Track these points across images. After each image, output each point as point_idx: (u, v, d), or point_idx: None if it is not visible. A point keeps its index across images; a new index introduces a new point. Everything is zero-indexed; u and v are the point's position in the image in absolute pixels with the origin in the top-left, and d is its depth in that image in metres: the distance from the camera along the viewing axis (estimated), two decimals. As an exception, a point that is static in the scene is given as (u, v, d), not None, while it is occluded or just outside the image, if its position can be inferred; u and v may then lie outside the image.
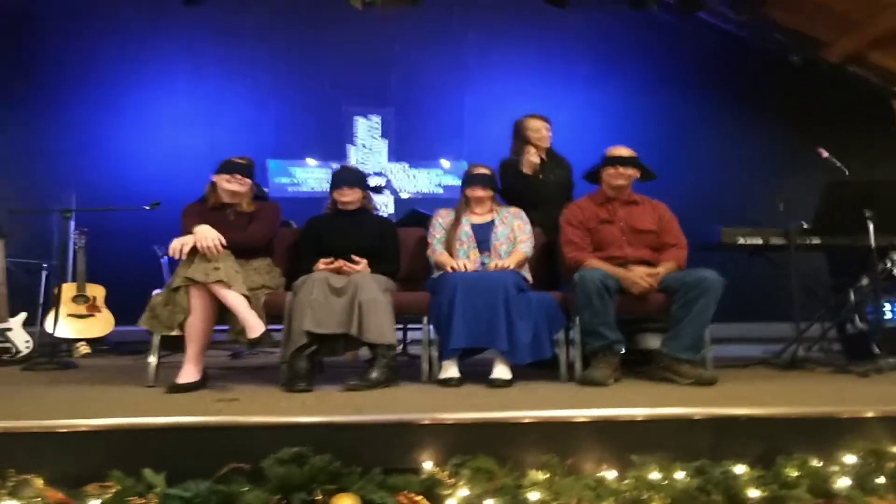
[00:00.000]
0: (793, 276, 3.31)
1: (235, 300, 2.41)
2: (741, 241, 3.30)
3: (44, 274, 4.87)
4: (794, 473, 1.78)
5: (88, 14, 5.87)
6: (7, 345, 3.98)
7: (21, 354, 4.01)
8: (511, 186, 3.40)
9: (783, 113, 6.20)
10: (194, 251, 2.49)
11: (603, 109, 6.11)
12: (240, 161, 2.89)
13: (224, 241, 2.55)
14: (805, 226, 3.36)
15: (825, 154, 3.56)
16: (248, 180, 2.89)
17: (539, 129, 3.48)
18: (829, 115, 6.06)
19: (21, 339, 4.07)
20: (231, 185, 2.84)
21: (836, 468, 1.82)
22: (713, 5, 5.95)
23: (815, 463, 1.82)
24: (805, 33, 6.22)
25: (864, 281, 3.55)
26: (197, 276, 2.40)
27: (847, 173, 3.50)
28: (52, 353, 3.61)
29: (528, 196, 3.33)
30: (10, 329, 4.04)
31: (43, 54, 5.90)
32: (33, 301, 4.75)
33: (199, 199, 2.94)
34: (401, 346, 4.03)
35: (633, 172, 3.02)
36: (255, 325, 2.38)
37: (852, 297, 3.58)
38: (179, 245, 2.52)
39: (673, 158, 5.64)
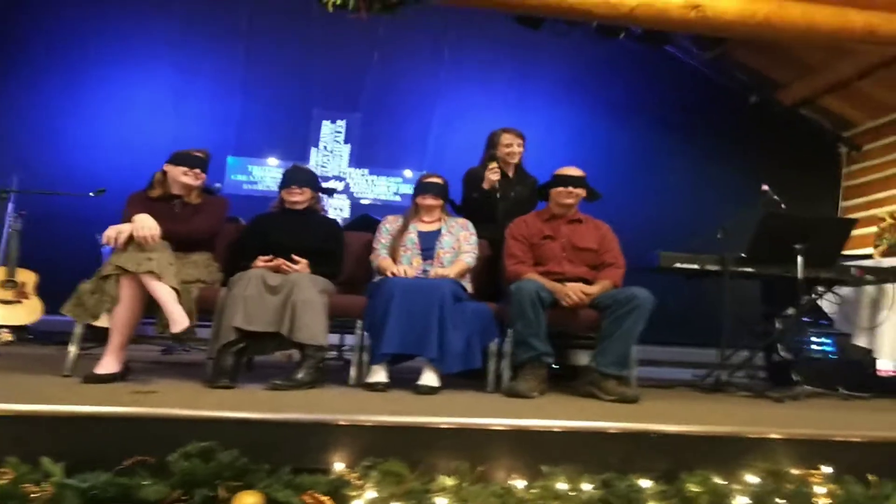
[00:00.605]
0: (726, 303, 3.41)
1: (163, 292, 2.37)
2: (678, 265, 3.39)
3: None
4: (696, 489, 1.84)
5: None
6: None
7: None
8: (470, 197, 3.44)
9: (736, 148, 6.42)
10: (130, 240, 2.45)
11: (564, 129, 6.22)
12: (198, 154, 2.88)
13: (160, 231, 2.51)
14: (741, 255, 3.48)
15: (766, 188, 3.70)
16: (204, 175, 2.87)
17: (510, 144, 3.51)
18: (778, 153, 6.31)
19: (-61, 323, 3.91)
20: (186, 178, 2.82)
21: (737, 486, 1.88)
22: (679, 41, 6.13)
23: (717, 480, 1.89)
24: (764, 74, 6.47)
25: (791, 311, 3.70)
26: (128, 266, 2.36)
27: (784, 208, 3.64)
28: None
29: (485, 209, 3.37)
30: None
31: (-1, 31, 5.74)
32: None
33: (146, 187, 2.90)
34: (336, 351, 4.01)
35: (581, 192, 3.10)
36: (178, 320, 2.35)
37: (778, 325, 3.72)
38: (115, 233, 2.48)
39: (625, 182, 5.79)
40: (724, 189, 5.97)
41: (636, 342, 2.78)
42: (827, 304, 3.83)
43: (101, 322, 2.48)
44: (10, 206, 4.48)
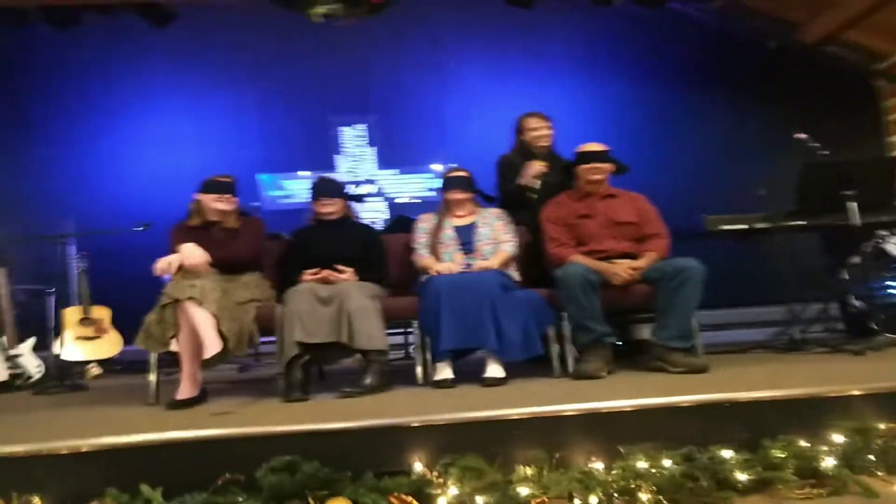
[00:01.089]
0: (783, 260, 3.32)
1: (199, 317, 2.43)
2: (725, 227, 3.30)
3: (51, 299, 4.94)
4: (781, 455, 1.80)
5: (74, 45, 5.92)
6: (19, 370, 4.05)
7: (33, 379, 4.08)
8: (506, 186, 3.42)
9: (762, 99, 6.18)
10: (181, 268, 2.54)
11: (580, 104, 6.09)
12: (224, 180, 2.95)
13: (210, 258, 2.59)
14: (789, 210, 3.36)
15: (800, 136, 3.56)
16: (235, 198, 2.94)
17: (537, 128, 3.46)
18: (810, 98, 6.04)
19: (32, 364, 4.13)
20: (220, 205, 2.89)
21: (823, 448, 1.84)
22: (679, -3, 5.92)
23: (802, 444, 1.85)
24: (778, 16, 6.17)
25: (856, 259, 3.56)
26: (176, 293, 2.45)
27: (825, 154, 3.50)
28: (62, 377, 3.68)
29: (521, 197, 3.34)
30: (20, 355, 4.10)
31: (25, 84, 6.00)
32: (43, 326, 4.82)
33: (186, 217, 2.99)
34: (402, 351, 4.07)
35: (607, 166, 3.04)
36: (209, 345, 2.40)
37: (845, 275, 3.59)
38: (166, 264, 2.58)
39: (653, 150, 5.66)
40: (758, 143, 5.77)
41: (695, 311, 2.72)
42: (893, 247, 3.68)
43: (174, 348, 2.57)
44: (73, 249, 4.70)
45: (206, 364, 2.44)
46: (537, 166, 3.28)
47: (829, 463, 1.76)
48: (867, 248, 3.38)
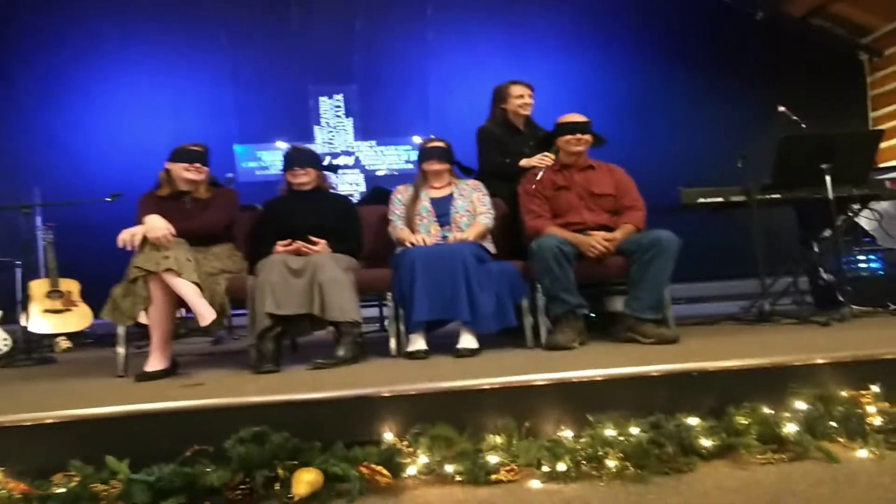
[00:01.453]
0: (755, 232, 3.35)
1: (185, 288, 2.41)
2: (701, 200, 3.32)
3: (18, 272, 4.84)
4: (744, 421, 1.84)
5: (46, 6, 5.74)
6: (-16, 344, 3.98)
7: (0, 353, 4.01)
8: (486, 157, 3.38)
9: (747, 71, 6.19)
10: (146, 241, 2.49)
11: (561, 76, 6.06)
12: (196, 149, 2.87)
13: (173, 230, 2.54)
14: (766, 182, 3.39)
15: (782, 109, 3.58)
16: (205, 168, 2.87)
17: (521, 95, 3.42)
18: (795, 70, 6.07)
19: (-1, 338, 4.06)
20: (189, 174, 2.83)
21: (785, 414, 1.88)
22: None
23: (766, 411, 1.88)
24: None
25: (828, 233, 3.62)
26: (148, 266, 2.40)
27: (804, 128, 3.53)
28: (29, 350, 3.62)
29: (505, 167, 3.31)
30: (-14, 328, 4.03)
31: (1, 53, 5.79)
32: (11, 299, 4.73)
33: (154, 187, 2.92)
34: (377, 324, 4.07)
35: (588, 138, 3.04)
36: (204, 313, 2.39)
37: (816, 249, 3.65)
38: (129, 236, 2.51)
39: (634, 122, 5.67)
40: (741, 116, 5.79)
41: (668, 283, 2.75)
42: (866, 221, 3.75)
43: (144, 318, 2.53)
44: (38, 220, 4.59)
45: (205, 331, 2.42)
46: (545, 160, 3.17)
47: (791, 429, 1.80)
48: (840, 221, 3.43)
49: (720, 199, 3.34)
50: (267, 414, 1.82)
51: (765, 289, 3.40)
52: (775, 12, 6.21)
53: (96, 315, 4.52)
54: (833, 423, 1.86)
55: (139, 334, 3.83)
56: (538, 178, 3.01)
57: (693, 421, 1.83)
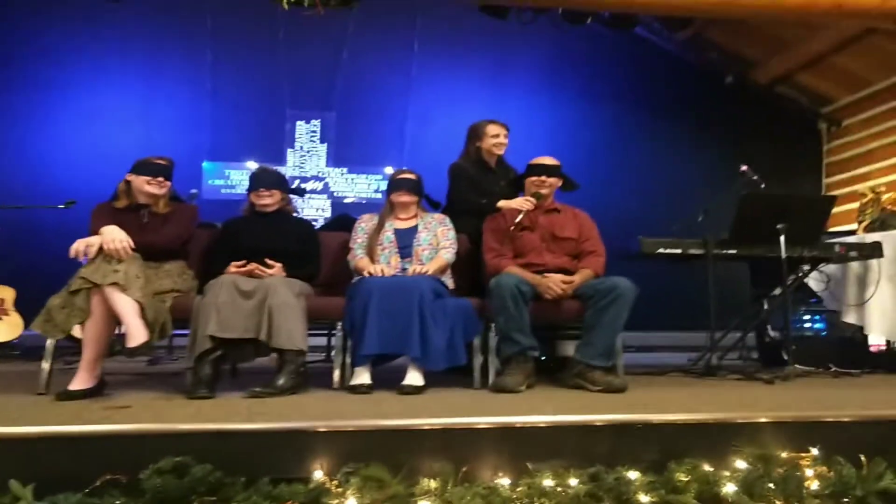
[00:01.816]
0: (710, 285, 3.39)
1: (123, 305, 2.31)
2: (661, 250, 3.36)
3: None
4: (684, 478, 1.81)
5: (12, 3, 5.62)
6: None
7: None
8: (460, 194, 3.36)
9: (714, 129, 6.42)
10: (99, 252, 2.39)
11: (541, 119, 6.18)
12: (160, 162, 2.80)
13: (132, 243, 2.45)
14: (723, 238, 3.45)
15: (745, 168, 3.68)
16: (168, 182, 2.80)
17: (497, 135, 3.42)
18: (758, 133, 6.30)
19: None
20: (151, 188, 2.75)
21: (725, 473, 1.85)
22: (649, 22, 6.09)
23: (706, 468, 1.86)
24: (738, 52, 6.45)
25: (778, 291, 3.68)
26: (95, 278, 2.30)
27: (763, 187, 3.62)
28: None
29: (480, 207, 3.27)
30: None
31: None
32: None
33: (111, 198, 2.82)
34: (323, 354, 3.97)
35: (555, 181, 3.07)
36: (134, 333, 2.28)
37: (766, 306, 3.70)
38: (83, 246, 2.41)
39: (603, 169, 5.79)
40: (704, 172, 5.97)
41: (621, 331, 2.74)
42: (814, 282, 3.83)
43: (79, 332, 2.41)
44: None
45: (131, 353, 2.30)
46: (526, 205, 3.06)
47: (729, 489, 1.78)
48: (790, 280, 3.49)
49: (679, 251, 3.37)
50: (193, 443, 1.72)
51: (713, 342, 3.42)
52: (743, 78, 6.49)
53: (27, 326, 4.30)
54: (771, 485, 1.84)
55: (71, 349, 3.66)
56: (518, 220, 2.98)
57: (633, 475, 1.79)
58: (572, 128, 6.20)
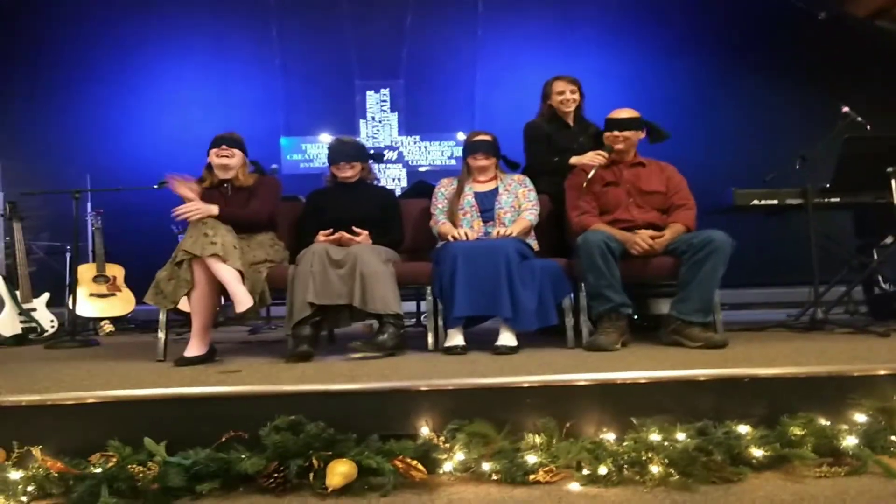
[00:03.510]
0: (812, 237, 3.20)
1: (227, 274, 2.41)
2: (756, 202, 3.19)
3: (67, 256, 4.99)
4: (799, 432, 1.74)
5: (104, 1, 5.91)
6: (32, 324, 4.10)
7: (47, 333, 4.13)
8: (533, 154, 3.32)
9: (808, 71, 5.98)
10: (195, 225, 2.51)
11: (619, 74, 5.96)
12: (225, 135, 2.90)
13: (211, 210, 2.58)
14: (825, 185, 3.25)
15: (846, 109, 3.42)
16: (236, 151, 2.88)
17: (563, 91, 3.33)
18: (858, 72, 5.82)
19: (46, 319, 4.18)
20: (220, 159, 2.85)
21: (844, 427, 1.77)
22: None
23: (822, 422, 1.78)
24: None
25: (889, 240, 3.44)
26: (194, 250, 2.42)
27: (869, 128, 3.36)
28: (74, 332, 3.70)
29: (553, 166, 3.22)
30: (34, 309, 4.15)
31: (53, 38, 5.99)
32: (60, 282, 4.88)
33: (197, 180, 2.96)
34: (415, 319, 4.04)
35: (632, 134, 2.94)
36: (242, 300, 2.39)
37: (876, 256, 3.47)
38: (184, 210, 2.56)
39: (689, 121, 5.50)
40: (801, 117, 5.58)
41: (718, 286, 2.64)
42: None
43: (185, 306, 2.56)
44: (88, 206, 4.72)
45: (239, 318, 2.42)
46: (597, 159, 2.97)
47: (849, 442, 1.70)
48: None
49: (775, 202, 3.20)
50: (303, 403, 1.80)
51: (818, 296, 3.24)
52: (838, 12, 5.97)
53: (138, 301, 4.62)
54: (894, 438, 1.75)
55: (179, 322, 3.91)
56: (590, 176, 2.92)
57: (744, 429, 1.74)
58: (651, 79, 5.95)
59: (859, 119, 3.37)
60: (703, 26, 6.05)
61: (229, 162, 2.86)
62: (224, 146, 2.85)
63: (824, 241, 3.40)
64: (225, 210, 2.62)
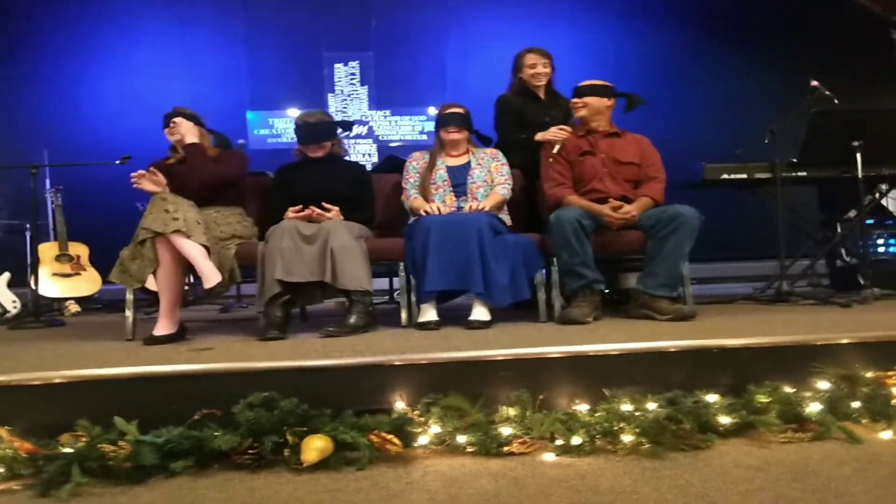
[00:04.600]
0: (779, 211, 3.27)
1: (192, 249, 2.36)
2: (725, 176, 3.24)
3: (27, 235, 4.84)
4: (765, 400, 1.80)
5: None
6: (-7, 305, 3.98)
7: (9, 314, 4.02)
8: (502, 130, 3.30)
9: (778, 46, 6.01)
10: (155, 201, 2.44)
11: (589, 46, 5.93)
12: (170, 112, 2.85)
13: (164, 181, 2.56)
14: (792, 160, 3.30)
15: (815, 83, 3.46)
16: (181, 120, 2.80)
17: (535, 65, 3.29)
18: (827, 47, 5.87)
19: (8, 300, 4.07)
20: (172, 136, 2.83)
21: (808, 394, 1.83)
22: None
23: (787, 389, 1.84)
24: None
25: (852, 213, 3.53)
26: (156, 227, 2.36)
27: (836, 103, 3.42)
28: (38, 312, 3.61)
29: (521, 143, 3.21)
30: (-6, 290, 4.03)
31: (5, 7, 5.72)
32: (21, 262, 4.73)
33: (164, 159, 2.89)
34: (387, 296, 4.03)
35: (592, 101, 2.91)
36: (209, 275, 2.35)
37: (839, 230, 3.56)
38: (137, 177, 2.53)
39: (661, 93, 5.50)
40: (769, 92, 5.64)
41: (685, 260, 2.67)
42: (893, 202, 3.65)
43: (152, 285, 2.50)
44: (47, 182, 4.56)
45: (209, 294, 2.38)
46: (560, 134, 3.01)
47: (813, 408, 1.76)
48: (866, 202, 3.34)
49: (744, 176, 3.25)
50: (276, 380, 1.80)
51: (784, 269, 3.32)
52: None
53: (104, 280, 4.51)
54: (856, 404, 1.81)
55: (147, 301, 3.83)
56: (555, 150, 2.92)
57: (712, 398, 1.79)
58: (623, 50, 5.93)
59: (827, 93, 3.41)
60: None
61: (179, 130, 2.81)
62: (172, 123, 2.82)
63: (791, 215, 3.46)
64: (192, 178, 2.56)
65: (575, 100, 2.93)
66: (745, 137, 3.49)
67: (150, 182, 2.54)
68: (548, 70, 3.33)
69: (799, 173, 3.25)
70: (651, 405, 1.75)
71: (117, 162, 3.57)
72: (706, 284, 4.69)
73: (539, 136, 3.08)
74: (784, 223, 3.24)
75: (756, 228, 3.94)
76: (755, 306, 3.11)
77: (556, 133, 2.98)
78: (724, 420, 1.73)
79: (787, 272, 3.35)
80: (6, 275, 4.13)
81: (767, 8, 6.01)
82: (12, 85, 5.70)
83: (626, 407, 1.74)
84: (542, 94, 3.36)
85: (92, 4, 5.80)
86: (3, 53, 5.73)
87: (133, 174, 2.53)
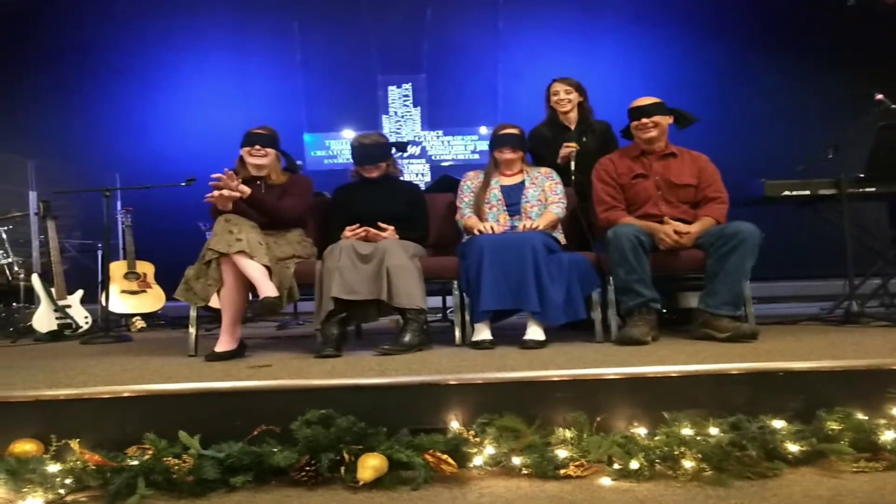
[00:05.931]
0: (846, 228, 3.13)
1: (254, 270, 2.43)
2: (787, 193, 3.13)
3: (99, 253, 5.10)
4: (836, 427, 1.71)
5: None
6: (67, 321, 4.19)
7: (81, 329, 4.22)
8: (540, 157, 3.30)
9: (836, 59, 5.82)
10: (220, 222, 2.53)
11: (641, 64, 5.88)
12: (259, 132, 2.87)
13: (245, 191, 2.60)
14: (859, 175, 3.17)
15: (880, 97, 3.33)
16: (269, 150, 2.86)
17: (557, 93, 3.32)
18: (887, 58, 5.66)
19: (80, 315, 4.27)
20: (253, 158, 2.84)
21: (882, 421, 1.74)
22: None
23: (860, 416, 1.75)
24: None
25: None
26: (220, 248, 2.44)
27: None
28: (108, 328, 3.78)
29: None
30: (69, 306, 4.25)
31: (79, 38, 6.10)
32: (92, 279, 4.98)
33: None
34: (440, 314, 4.05)
35: (660, 119, 2.83)
36: (267, 289, 2.42)
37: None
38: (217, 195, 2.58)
39: (715, 110, 5.41)
40: (830, 106, 5.45)
41: (747, 279, 2.58)
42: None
43: (215, 303, 2.59)
44: (118, 204, 4.80)
45: (265, 309, 2.42)
46: (565, 149, 3.15)
47: (888, 436, 1.66)
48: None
49: (807, 192, 3.13)
50: (333, 397, 1.82)
51: (853, 288, 3.17)
52: (868, -2, 5.84)
53: (168, 297, 4.69)
54: (936, 433, 1.70)
55: (208, 318, 3.96)
56: (572, 166, 3.02)
57: (778, 424, 1.71)
58: (674, 68, 5.85)
59: (893, 106, 3.28)
60: (727, 13, 5.94)
61: (262, 161, 2.86)
62: (258, 146, 2.84)
63: (858, 231, 3.31)
64: (260, 196, 2.64)
65: (644, 120, 2.83)
66: (799, 153, 3.37)
67: (227, 191, 2.58)
68: (571, 97, 3.32)
69: (866, 189, 3.11)
70: (713, 430, 1.69)
71: (183, 184, 3.72)
72: (769, 304, 4.52)
73: (560, 161, 3.17)
74: (852, 240, 3.10)
75: (817, 246, 3.79)
76: (822, 327, 2.98)
77: (563, 153, 3.11)
78: (793, 447, 1.65)
79: (857, 292, 3.19)
80: (79, 292, 4.35)
81: (822, 22, 5.83)
82: (88, 114, 6.06)
83: (687, 431, 1.69)
84: (569, 123, 3.33)
85: (159, 37, 6.13)
86: (80, 87, 6.10)
87: (211, 182, 2.57)
